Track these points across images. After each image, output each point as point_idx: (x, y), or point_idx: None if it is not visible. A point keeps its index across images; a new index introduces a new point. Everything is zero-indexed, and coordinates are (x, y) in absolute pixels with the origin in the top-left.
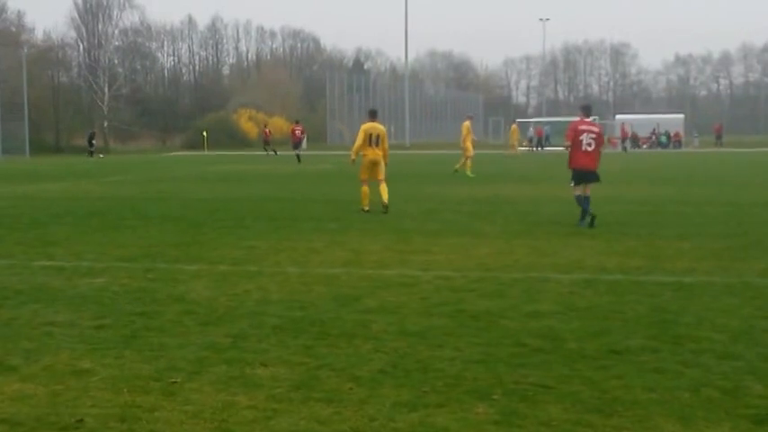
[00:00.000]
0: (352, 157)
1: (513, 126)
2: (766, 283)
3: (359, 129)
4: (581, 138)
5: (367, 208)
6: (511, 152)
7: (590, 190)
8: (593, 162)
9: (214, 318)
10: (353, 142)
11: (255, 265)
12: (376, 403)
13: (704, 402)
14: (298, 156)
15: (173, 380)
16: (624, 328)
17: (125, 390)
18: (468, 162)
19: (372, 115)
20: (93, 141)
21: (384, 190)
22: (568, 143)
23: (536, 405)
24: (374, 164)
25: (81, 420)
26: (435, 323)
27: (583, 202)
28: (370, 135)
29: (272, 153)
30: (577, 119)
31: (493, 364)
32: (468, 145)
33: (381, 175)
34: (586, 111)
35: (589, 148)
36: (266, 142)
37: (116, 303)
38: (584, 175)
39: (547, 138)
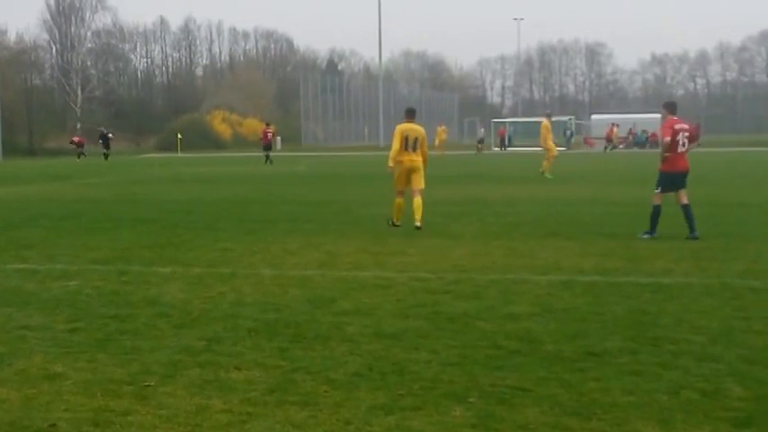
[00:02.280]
0: (390, 164)
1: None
2: (745, 284)
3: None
4: (677, 138)
5: (399, 222)
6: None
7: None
8: (687, 163)
9: (188, 320)
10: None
11: (230, 267)
12: (351, 407)
13: (683, 405)
14: (267, 156)
15: (146, 383)
16: (602, 329)
17: (98, 394)
18: (546, 164)
19: (410, 114)
20: (109, 137)
21: (419, 206)
22: (668, 140)
23: (513, 408)
24: (411, 172)
25: (54, 425)
26: (411, 325)
27: (685, 212)
28: (407, 138)
29: (270, 161)
30: (670, 117)
31: (469, 367)
32: (551, 144)
33: (419, 185)
34: (672, 108)
35: (683, 149)
36: (267, 146)
37: (89, 306)
38: (678, 179)
39: (510, 138)
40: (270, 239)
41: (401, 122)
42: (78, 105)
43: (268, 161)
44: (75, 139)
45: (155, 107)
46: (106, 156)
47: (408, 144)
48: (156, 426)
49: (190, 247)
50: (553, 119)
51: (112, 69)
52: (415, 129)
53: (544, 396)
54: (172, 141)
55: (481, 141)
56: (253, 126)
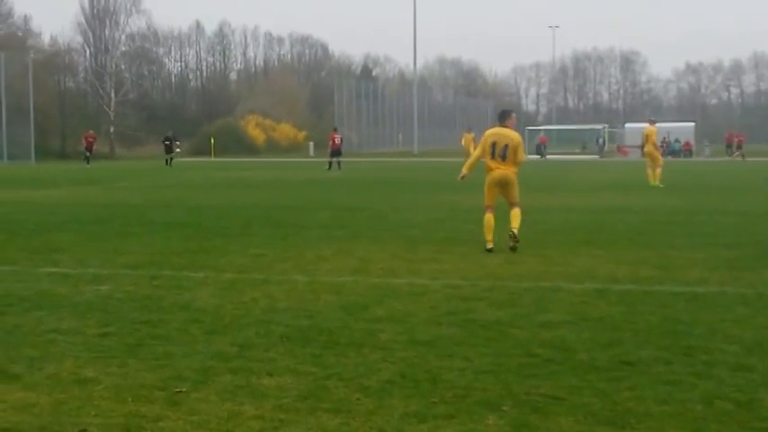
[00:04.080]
0: (464, 171)
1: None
2: None
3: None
4: None
5: (491, 245)
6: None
7: None
8: None
9: (220, 326)
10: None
11: (262, 272)
12: (384, 414)
13: (717, 415)
14: (331, 163)
15: (178, 389)
16: (636, 338)
17: (129, 399)
18: (650, 171)
19: (502, 117)
20: (176, 142)
21: (517, 215)
22: None
23: (547, 416)
24: (502, 184)
25: (84, 430)
26: (445, 332)
27: None
28: (494, 144)
29: (336, 166)
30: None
31: (503, 375)
32: (653, 152)
33: (515, 198)
34: None
35: None
36: (335, 152)
37: (121, 311)
38: None
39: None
40: (302, 245)
41: (491, 126)
42: (112, 109)
43: (332, 167)
44: (90, 140)
45: (188, 111)
46: (169, 161)
47: (497, 152)
48: (187, 431)
49: (222, 253)
50: (602, 126)
51: (146, 73)
52: (506, 134)
53: (578, 405)
54: (205, 146)
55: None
56: (286, 131)
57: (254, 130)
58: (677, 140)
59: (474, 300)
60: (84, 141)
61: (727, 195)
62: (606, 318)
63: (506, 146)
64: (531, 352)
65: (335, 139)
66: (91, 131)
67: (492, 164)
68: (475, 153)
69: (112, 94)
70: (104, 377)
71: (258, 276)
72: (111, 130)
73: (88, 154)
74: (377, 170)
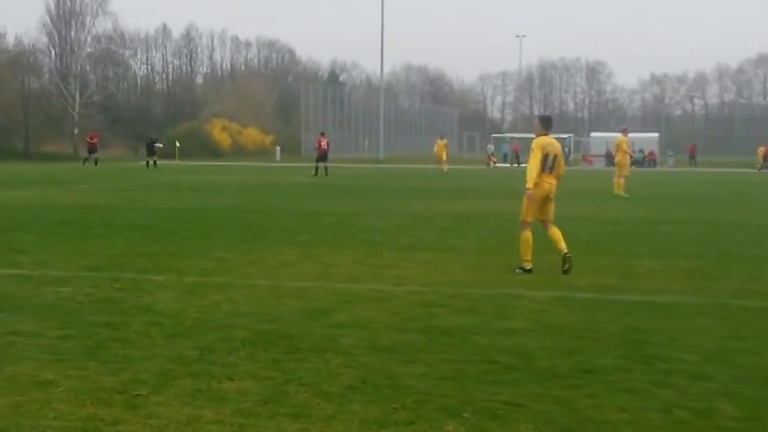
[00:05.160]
0: (530, 186)
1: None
2: (739, 304)
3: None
4: None
5: (530, 265)
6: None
7: None
8: None
9: (181, 330)
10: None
11: (225, 276)
12: (344, 419)
13: (675, 424)
14: (317, 168)
15: (137, 392)
16: (596, 346)
17: (88, 402)
18: (617, 180)
19: (546, 124)
20: (157, 145)
21: (557, 234)
22: None
23: (506, 424)
24: (548, 199)
25: None
26: (406, 339)
27: None
28: (547, 156)
29: (324, 172)
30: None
31: (463, 382)
32: (623, 161)
33: (552, 213)
34: None
35: None
36: (321, 157)
37: (81, 313)
38: None
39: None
40: (266, 250)
41: (538, 134)
42: (76, 110)
43: (317, 172)
44: (94, 140)
45: (153, 114)
46: (151, 163)
47: (547, 164)
48: None
49: (185, 256)
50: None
51: (112, 75)
52: (554, 144)
53: (537, 412)
54: (170, 149)
55: (493, 155)
56: (252, 135)
57: (219, 133)
58: (641, 150)
59: (436, 306)
60: (87, 142)
61: (691, 206)
62: (567, 326)
63: (555, 156)
64: (492, 359)
65: (322, 144)
66: (94, 131)
67: (544, 177)
68: (533, 164)
69: (77, 96)
70: (63, 380)
71: (221, 280)
72: (76, 131)
73: (91, 155)
74: (342, 176)
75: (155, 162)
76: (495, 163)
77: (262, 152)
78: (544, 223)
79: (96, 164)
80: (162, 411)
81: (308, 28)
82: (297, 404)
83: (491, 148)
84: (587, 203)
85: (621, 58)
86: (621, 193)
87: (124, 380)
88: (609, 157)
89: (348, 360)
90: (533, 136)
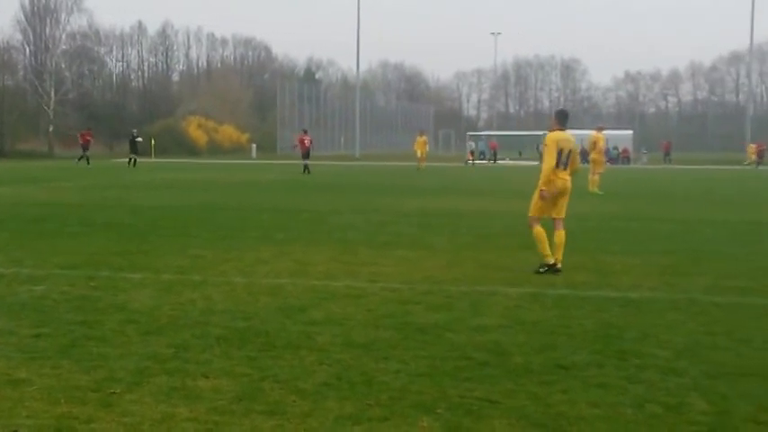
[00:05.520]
0: (544, 187)
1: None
2: (711, 300)
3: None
4: None
5: (552, 260)
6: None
7: None
8: None
9: (156, 327)
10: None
11: (200, 274)
12: (319, 416)
13: (648, 418)
14: (306, 166)
15: (111, 391)
16: (570, 342)
17: (62, 400)
18: (592, 177)
19: (562, 119)
20: (137, 139)
21: (562, 242)
22: None
23: (481, 419)
24: (562, 195)
25: (16, 431)
26: (381, 335)
27: None
28: (561, 151)
29: (308, 170)
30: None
31: (438, 378)
32: (598, 158)
33: (562, 213)
34: None
35: None
36: (305, 155)
37: (56, 312)
38: None
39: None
40: (242, 247)
41: (552, 129)
42: (51, 108)
43: (306, 171)
44: (87, 138)
45: (129, 111)
46: (133, 161)
47: (561, 159)
48: None
49: (160, 254)
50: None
51: (87, 72)
52: (569, 139)
53: (511, 408)
54: (146, 146)
55: (472, 153)
56: (228, 133)
57: (195, 131)
58: (615, 148)
59: (411, 303)
60: (80, 139)
61: (664, 202)
62: (541, 322)
63: (570, 152)
64: (467, 355)
65: (305, 141)
66: (87, 129)
67: (558, 173)
68: (548, 162)
69: (52, 93)
70: (37, 378)
71: (196, 278)
72: (51, 129)
73: (85, 153)
74: (318, 173)
75: (133, 161)
76: (473, 160)
77: (238, 150)
78: (555, 222)
79: (88, 162)
80: (136, 409)
81: (284, 25)
82: (272, 401)
83: (471, 145)
84: None
85: (596, 55)
86: (596, 190)
87: (99, 378)
88: (584, 155)
89: (323, 357)
90: (510, 133)
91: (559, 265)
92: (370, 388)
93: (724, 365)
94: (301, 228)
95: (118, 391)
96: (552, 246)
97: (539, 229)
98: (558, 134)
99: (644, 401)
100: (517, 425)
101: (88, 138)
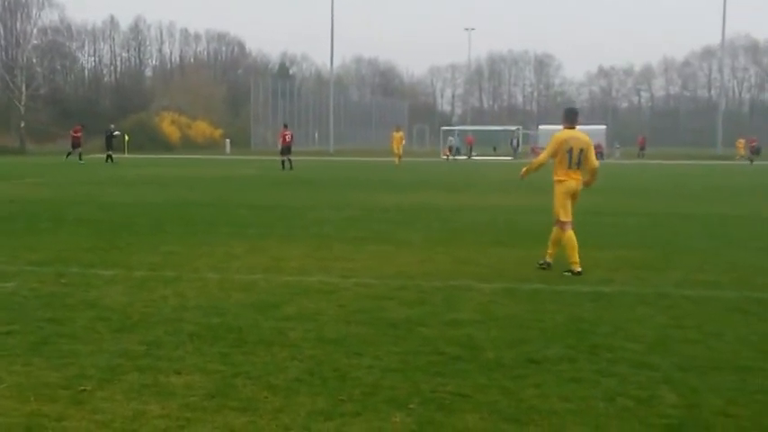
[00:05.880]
0: (524, 171)
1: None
2: (681, 294)
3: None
4: None
5: (579, 268)
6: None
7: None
8: None
9: (128, 324)
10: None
11: (173, 270)
12: (291, 412)
13: (619, 412)
14: (286, 161)
15: (82, 388)
16: (542, 337)
17: (32, 398)
18: None
19: (571, 117)
20: (116, 134)
21: (566, 242)
22: None
23: (453, 414)
24: (575, 196)
25: None
26: (354, 331)
27: None
28: (570, 150)
29: (290, 166)
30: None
31: (411, 373)
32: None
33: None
34: None
35: None
36: (285, 149)
37: (26, 309)
38: None
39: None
40: (215, 243)
41: (564, 128)
42: (22, 103)
43: (286, 166)
44: (77, 134)
45: (102, 107)
46: (109, 157)
47: (572, 159)
48: (91, 431)
49: (133, 250)
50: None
51: (59, 68)
52: (580, 138)
53: (484, 402)
54: (119, 142)
55: (451, 149)
56: (202, 128)
57: (168, 126)
58: None
59: (384, 298)
60: (71, 135)
61: (635, 197)
62: (513, 316)
63: (581, 150)
64: (439, 350)
65: (286, 137)
66: (79, 125)
67: (569, 173)
68: (541, 157)
69: (23, 88)
70: (7, 376)
71: (169, 274)
72: (22, 124)
73: (74, 150)
74: (293, 169)
75: (109, 157)
76: (450, 155)
77: (211, 145)
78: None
79: (110, 159)
80: (107, 406)
81: (257, 21)
82: (244, 397)
83: (452, 140)
84: (534, 195)
85: (569, 51)
86: None
87: (69, 375)
88: None
89: (295, 353)
90: (485, 128)
91: (549, 261)
92: (343, 383)
93: (694, 359)
94: (275, 223)
95: (89, 388)
96: (556, 244)
97: (570, 235)
98: (566, 133)
99: (615, 395)
100: (489, 419)
101: (79, 134)
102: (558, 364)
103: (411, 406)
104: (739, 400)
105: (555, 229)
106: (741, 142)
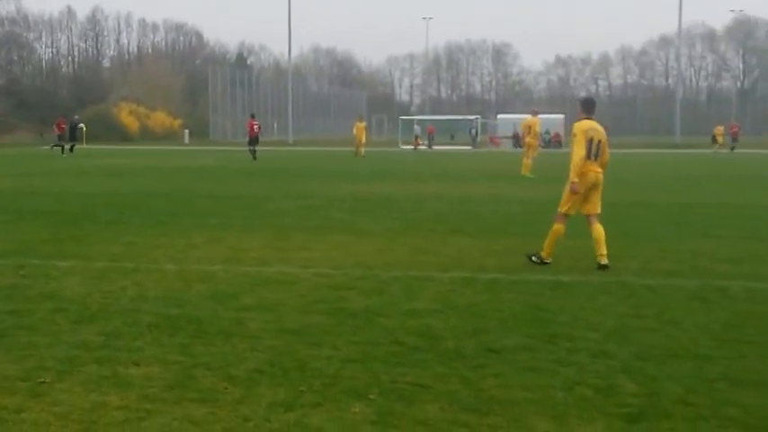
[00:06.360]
0: (575, 179)
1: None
2: (641, 282)
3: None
4: None
5: (549, 259)
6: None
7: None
8: None
9: (87, 315)
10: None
11: (132, 261)
12: (251, 403)
13: (578, 401)
14: (253, 151)
15: (41, 380)
16: (502, 326)
17: None
18: (526, 161)
19: (588, 107)
20: (80, 126)
21: (602, 236)
22: None
23: (413, 404)
24: (594, 188)
25: None
26: (313, 321)
27: None
28: (591, 141)
29: (252, 154)
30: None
31: (370, 363)
32: (532, 143)
33: (598, 208)
34: None
35: None
36: (253, 140)
37: None
38: None
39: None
40: (174, 234)
41: (580, 118)
42: None
43: (253, 156)
44: (63, 126)
45: (60, 98)
46: (71, 148)
47: (591, 150)
48: (50, 423)
49: (92, 241)
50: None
51: (16, 58)
52: (598, 129)
53: (443, 392)
54: (81, 134)
55: (416, 138)
56: (160, 119)
57: (127, 117)
58: (547, 132)
59: (343, 288)
60: (56, 128)
61: None
62: (473, 306)
63: (600, 142)
64: (399, 340)
65: (254, 127)
66: (63, 116)
67: (589, 165)
68: (578, 153)
69: None
70: None
71: (128, 265)
72: None
73: (60, 141)
74: (250, 159)
75: (72, 147)
76: (419, 145)
77: (170, 136)
78: (589, 218)
79: (63, 151)
80: (66, 398)
81: (215, 11)
82: (204, 388)
83: (418, 129)
84: (493, 184)
85: (527, 40)
86: (528, 174)
87: (28, 367)
88: (516, 139)
89: (255, 344)
90: (444, 118)
91: (605, 261)
92: (303, 374)
93: (653, 347)
94: (235, 214)
95: (47, 380)
96: (593, 242)
97: (559, 227)
98: (586, 123)
99: (574, 384)
100: (449, 409)
101: (63, 125)
102: (518, 353)
103: (371, 396)
104: (698, 389)
105: (594, 229)
106: (720, 129)
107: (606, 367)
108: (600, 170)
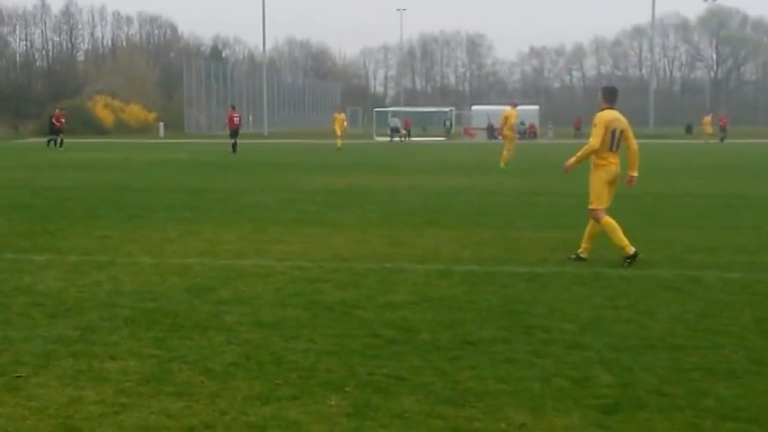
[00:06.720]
0: (572, 161)
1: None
2: (616, 273)
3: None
4: None
5: (632, 250)
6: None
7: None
8: None
9: (63, 310)
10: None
11: (108, 255)
12: (228, 396)
13: (554, 392)
14: (234, 144)
15: (17, 374)
16: (477, 318)
17: None
18: (504, 153)
19: (610, 97)
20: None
21: (595, 231)
22: None
23: (389, 397)
24: (615, 181)
25: None
26: (290, 314)
27: None
28: (614, 132)
29: (233, 147)
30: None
31: (347, 356)
32: (509, 134)
33: (609, 202)
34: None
35: None
36: (234, 132)
37: None
38: None
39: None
40: (150, 227)
41: (601, 108)
42: None
43: (233, 148)
44: (62, 119)
45: (34, 92)
46: (51, 141)
47: (614, 141)
48: (26, 417)
49: (66, 235)
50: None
51: None
52: (620, 119)
53: (419, 384)
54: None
55: (396, 130)
56: (135, 112)
57: (102, 110)
58: (522, 123)
59: (319, 281)
60: (55, 122)
61: (570, 177)
62: (449, 298)
63: (622, 132)
64: (375, 333)
65: (234, 119)
66: (60, 110)
67: (611, 157)
68: (593, 142)
69: None
70: None
71: (103, 259)
72: None
73: (58, 136)
74: (227, 152)
75: (56, 141)
76: (402, 137)
77: (145, 129)
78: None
79: (61, 145)
80: (42, 393)
81: (189, 3)
82: (180, 382)
83: (395, 121)
84: (468, 176)
85: (501, 31)
86: (503, 165)
87: (4, 362)
88: (491, 130)
89: (232, 337)
90: (419, 110)
91: (585, 255)
92: (279, 367)
93: (628, 338)
94: (210, 207)
95: (23, 374)
96: (591, 239)
97: (607, 221)
98: (608, 113)
99: (550, 376)
100: (425, 401)
101: (62, 120)
102: (494, 345)
103: (347, 389)
104: (673, 379)
105: (591, 223)
106: (707, 120)
107: (582, 358)
108: (618, 160)
